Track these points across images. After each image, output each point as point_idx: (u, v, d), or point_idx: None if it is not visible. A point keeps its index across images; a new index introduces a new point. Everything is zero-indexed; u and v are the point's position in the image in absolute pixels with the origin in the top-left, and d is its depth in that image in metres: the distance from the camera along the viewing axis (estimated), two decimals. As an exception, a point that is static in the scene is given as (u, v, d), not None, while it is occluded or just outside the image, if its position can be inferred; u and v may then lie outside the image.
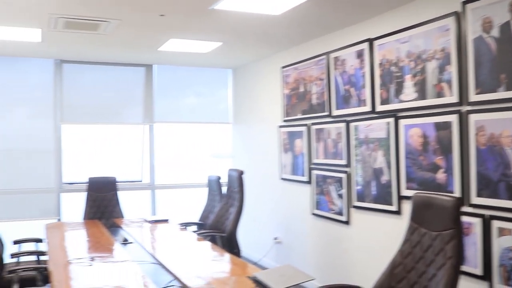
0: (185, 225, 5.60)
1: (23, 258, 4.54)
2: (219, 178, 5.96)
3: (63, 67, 6.86)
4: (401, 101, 4.18)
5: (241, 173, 5.32)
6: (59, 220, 6.72)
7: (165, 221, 5.75)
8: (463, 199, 3.57)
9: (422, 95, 3.96)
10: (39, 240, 4.89)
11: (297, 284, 2.92)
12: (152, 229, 5.37)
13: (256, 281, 3.07)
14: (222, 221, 5.40)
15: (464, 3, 3.54)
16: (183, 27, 4.96)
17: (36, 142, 6.75)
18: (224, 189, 5.72)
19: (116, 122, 7.29)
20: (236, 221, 5.14)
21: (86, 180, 6.12)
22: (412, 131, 4.07)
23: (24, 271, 3.97)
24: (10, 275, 3.95)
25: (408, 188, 4.12)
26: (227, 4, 4.09)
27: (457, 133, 3.64)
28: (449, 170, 3.72)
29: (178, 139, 7.88)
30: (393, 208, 4.29)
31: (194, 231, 5.36)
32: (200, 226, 5.81)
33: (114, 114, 7.21)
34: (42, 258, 4.44)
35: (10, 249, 4.69)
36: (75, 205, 6.41)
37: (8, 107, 6.64)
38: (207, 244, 4.59)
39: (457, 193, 3.63)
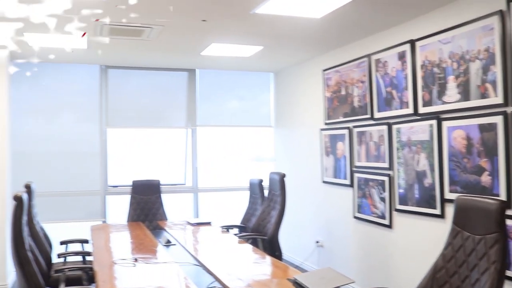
0: (227, 227, 5.65)
1: (69, 258, 4.68)
2: (261, 181, 5.99)
3: (108, 73, 7.03)
4: (444, 103, 4.11)
5: (282, 176, 5.33)
6: (104, 222, 6.88)
7: (208, 223, 5.80)
8: (509, 202, 3.48)
9: (465, 96, 3.89)
10: (85, 241, 5.02)
11: (337, 286, 2.91)
12: (194, 231, 5.44)
13: (296, 284, 3.07)
14: (264, 224, 5.42)
15: (509, 1, 3.45)
16: (225, 32, 5.02)
17: (82, 146, 6.94)
18: (266, 192, 5.75)
19: (160, 126, 7.42)
20: (277, 224, 5.15)
21: (131, 183, 6.24)
22: (456, 133, 4.00)
23: (70, 270, 4.08)
24: (57, 274, 4.08)
25: (451, 191, 4.04)
26: (268, 8, 4.12)
27: (502, 135, 3.55)
28: (494, 173, 3.63)
29: (221, 143, 7.95)
30: (437, 211, 4.21)
31: (236, 234, 5.40)
32: (242, 229, 5.85)
33: (157, 118, 7.34)
34: (87, 258, 4.56)
35: (57, 249, 4.84)
36: (119, 208, 6.55)
37: (56, 112, 6.85)
38: (249, 246, 4.61)
39: (502, 196, 3.54)
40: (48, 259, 4.44)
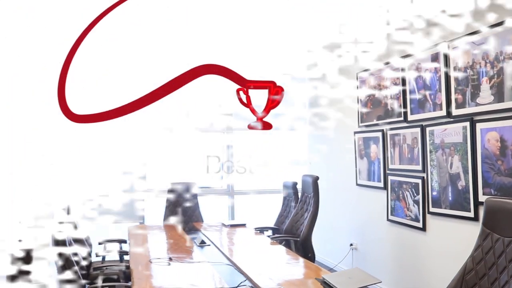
0: (261, 229, 5.71)
1: (107, 257, 4.83)
2: (295, 184, 6.03)
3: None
4: (478, 105, 4.08)
5: (315, 178, 5.37)
6: (141, 223, 7.03)
7: (243, 225, 5.88)
8: (543, 205, 3.43)
9: (499, 97, 3.85)
10: (122, 241, 5.17)
11: (364, 286, 2.94)
12: (228, 233, 5.52)
13: (325, 283, 3.12)
14: (297, 226, 5.46)
15: (542, 2, 3.42)
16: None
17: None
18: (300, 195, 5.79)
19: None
20: (310, 226, 5.19)
21: (168, 185, 6.37)
22: (489, 135, 3.96)
23: (108, 268, 4.23)
24: (96, 272, 4.23)
25: (485, 194, 4.00)
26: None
27: (536, 137, 3.51)
28: (528, 175, 3.59)
29: (257, 146, 8.01)
30: (470, 214, 4.18)
31: (269, 236, 5.46)
32: (275, 230, 5.90)
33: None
34: (125, 257, 4.70)
35: (96, 248, 5.00)
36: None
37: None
38: (281, 248, 4.67)
39: (537, 199, 3.50)
40: (88, 257, 4.60)
